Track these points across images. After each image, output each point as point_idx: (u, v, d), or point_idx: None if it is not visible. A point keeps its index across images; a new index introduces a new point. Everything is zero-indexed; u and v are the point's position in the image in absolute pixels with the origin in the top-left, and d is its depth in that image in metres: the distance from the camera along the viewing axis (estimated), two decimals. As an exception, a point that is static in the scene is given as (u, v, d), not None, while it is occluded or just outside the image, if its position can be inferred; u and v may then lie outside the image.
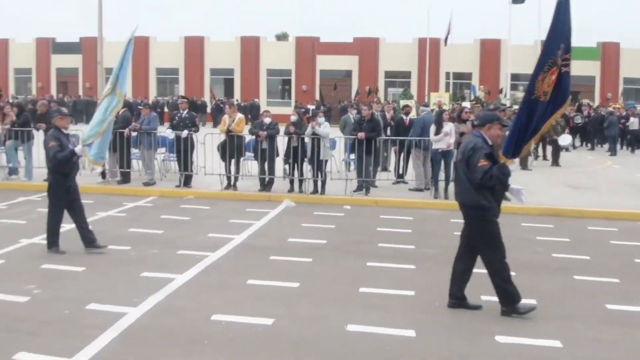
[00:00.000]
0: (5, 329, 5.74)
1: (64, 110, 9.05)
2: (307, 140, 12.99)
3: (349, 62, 42.39)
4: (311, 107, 30.50)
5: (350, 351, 5.34)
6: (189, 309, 6.26)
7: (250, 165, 14.38)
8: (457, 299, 6.41)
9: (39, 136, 14.33)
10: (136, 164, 14.80)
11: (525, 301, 6.22)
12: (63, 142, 8.32)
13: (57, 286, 6.99)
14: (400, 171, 14.89)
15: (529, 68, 7.38)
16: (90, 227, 8.55)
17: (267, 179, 13.40)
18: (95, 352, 5.17)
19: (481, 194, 6.09)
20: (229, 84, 43.93)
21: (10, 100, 29.66)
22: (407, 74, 42.02)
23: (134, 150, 14.45)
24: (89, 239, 8.40)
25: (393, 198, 12.85)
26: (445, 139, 12.60)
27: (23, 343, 5.34)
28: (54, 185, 8.38)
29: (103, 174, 14.17)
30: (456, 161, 7.78)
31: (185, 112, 13.85)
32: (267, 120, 13.31)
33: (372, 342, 5.51)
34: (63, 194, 8.34)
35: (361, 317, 6.07)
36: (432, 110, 16.63)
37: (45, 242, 8.38)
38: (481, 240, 6.22)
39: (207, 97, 39.76)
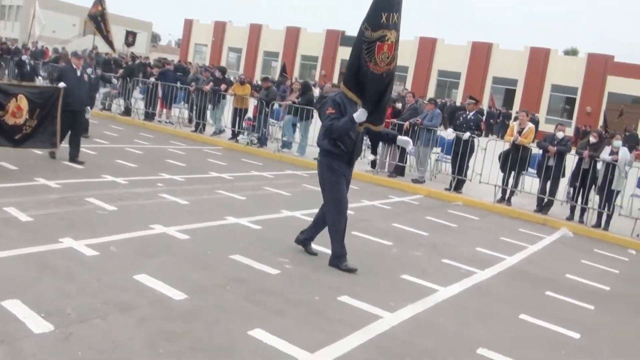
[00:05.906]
0: (248, 299, 5.35)
1: None
2: (599, 165, 11.26)
3: (642, 88, 37.58)
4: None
5: None
6: (451, 331, 5.33)
7: (530, 182, 12.96)
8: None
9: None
10: (408, 159, 14.30)
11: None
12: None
13: (312, 266, 6.55)
14: None
15: None
16: None
17: (545, 200, 11.94)
18: (338, 355, 4.50)
19: None
20: (509, 95, 41.95)
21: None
22: None
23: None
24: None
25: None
26: None
27: (263, 320, 4.87)
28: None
29: (373, 164, 13.92)
30: None
31: (471, 113, 12.89)
32: (560, 134, 11.81)
33: None
34: None
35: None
36: None
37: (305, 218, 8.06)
38: None
39: (484, 105, 38.43)
